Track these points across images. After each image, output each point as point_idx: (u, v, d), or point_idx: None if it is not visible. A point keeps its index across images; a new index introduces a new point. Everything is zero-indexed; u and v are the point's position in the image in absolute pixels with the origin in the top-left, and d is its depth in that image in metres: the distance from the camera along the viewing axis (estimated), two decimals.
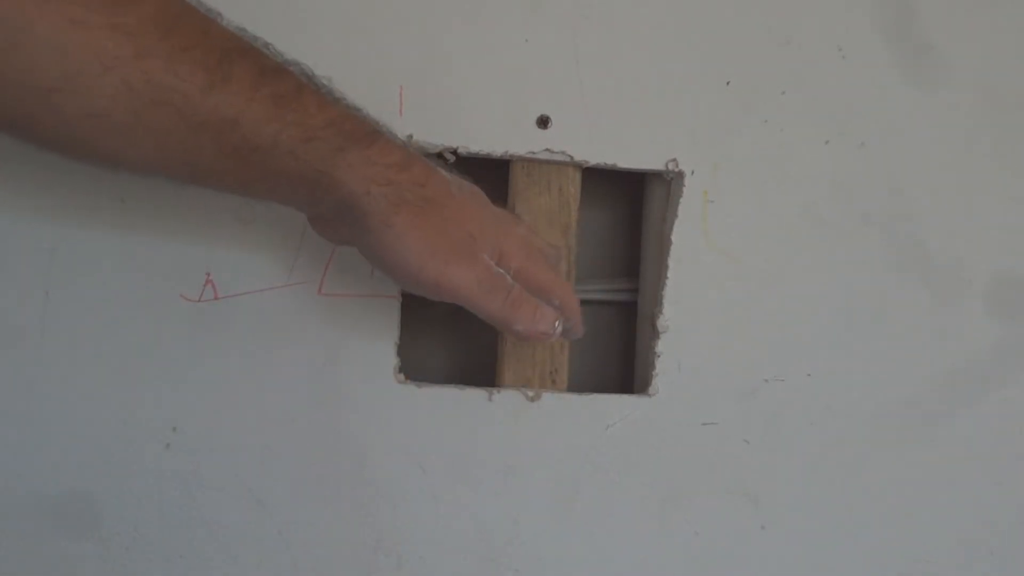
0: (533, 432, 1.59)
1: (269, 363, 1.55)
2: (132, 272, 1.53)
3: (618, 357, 1.76)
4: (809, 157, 1.64)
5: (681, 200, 1.61)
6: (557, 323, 1.41)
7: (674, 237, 1.61)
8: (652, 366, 1.62)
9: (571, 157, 1.60)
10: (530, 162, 1.61)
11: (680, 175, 1.61)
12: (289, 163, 1.23)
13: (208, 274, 1.54)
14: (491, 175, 1.68)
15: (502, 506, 1.59)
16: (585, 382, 1.71)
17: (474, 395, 1.59)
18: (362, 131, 1.29)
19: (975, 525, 1.66)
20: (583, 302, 1.72)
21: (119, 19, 1.09)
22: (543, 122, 1.60)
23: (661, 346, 1.61)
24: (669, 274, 1.61)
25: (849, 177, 1.64)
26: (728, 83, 1.62)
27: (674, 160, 1.62)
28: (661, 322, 1.61)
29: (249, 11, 1.54)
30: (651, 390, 1.61)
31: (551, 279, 1.42)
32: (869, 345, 1.64)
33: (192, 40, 1.16)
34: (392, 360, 1.57)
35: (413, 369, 1.61)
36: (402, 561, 1.58)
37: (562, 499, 1.60)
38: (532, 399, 1.60)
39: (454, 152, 1.59)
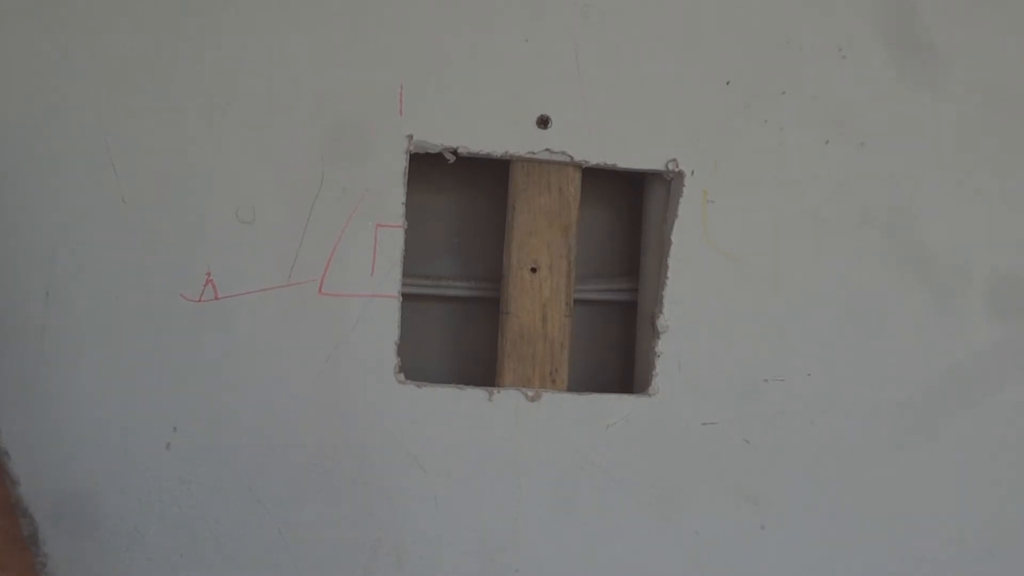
0: (533, 432, 1.59)
1: (269, 363, 1.55)
2: (132, 272, 1.53)
3: (618, 357, 1.76)
4: (809, 157, 1.64)
5: (681, 200, 1.61)
6: None
7: (674, 237, 1.61)
8: (652, 366, 1.62)
9: (571, 157, 1.60)
10: (530, 162, 1.61)
11: (680, 175, 1.61)
12: None
13: (208, 274, 1.54)
14: (491, 175, 1.69)
15: (502, 506, 1.59)
16: (585, 382, 1.71)
17: (474, 395, 1.59)
18: None
19: (975, 525, 1.66)
20: (583, 302, 1.73)
21: None
22: (543, 122, 1.60)
23: (661, 346, 1.61)
24: (669, 274, 1.61)
25: (849, 177, 1.64)
26: (728, 83, 1.62)
27: (674, 160, 1.62)
28: (661, 322, 1.61)
29: (250, 12, 1.54)
30: (651, 390, 1.61)
31: None
32: (869, 345, 1.64)
33: None
34: (392, 360, 1.57)
35: (413, 369, 1.61)
36: (402, 561, 1.58)
37: (562, 499, 1.60)
38: (532, 399, 1.60)
39: (454, 152, 1.59)
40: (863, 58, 1.64)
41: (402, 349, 1.58)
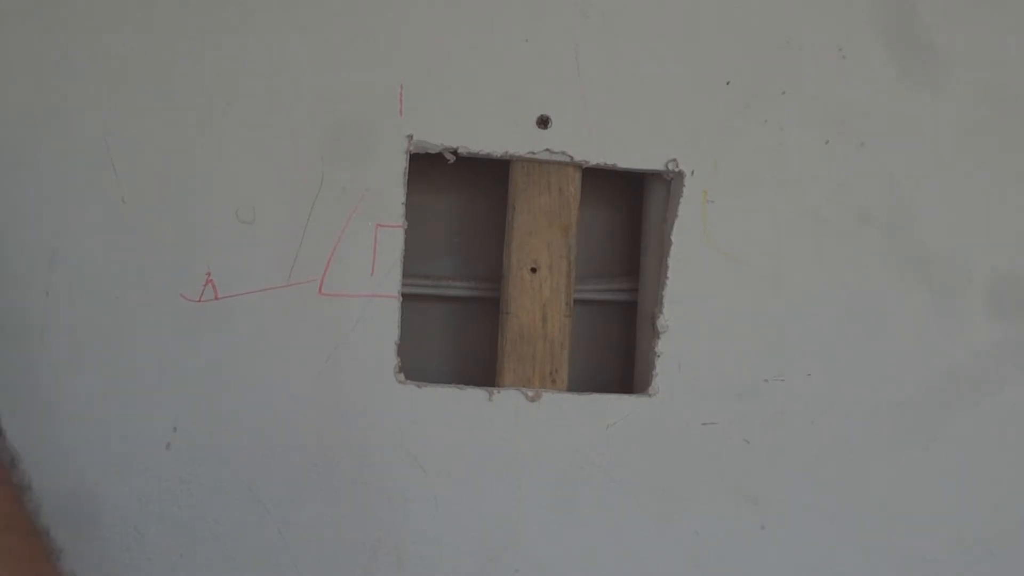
0: (533, 432, 1.59)
1: (269, 363, 1.55)
2: (132, 272, 1.53)
3: (618, 357, 1.76)
4: (809, 157, 1.64)
5: (681, 200, 1.61)
6: None
7: (674, 237, 1.61)
8: (652, 366, 1.62)
9: (571, 157, 1.60)
10: (530, 162, 1.61)
11: (680, 175, 1.62)
12: None
13: (208, 274, 1.54)
14: (491, 175, 1.69)
15: (502, 506, 1.59)
16: (585, 382, 1.71)
17: (474, 395, 1.59)
18: None
19: (975, 525, 1.66)
20: (583, 302, 1.73)
21: None
22: (543, 122, 1.60)
23: (661, 346, 1.61)
24: (669, 274, 1.61)
25: (849, 177, 1.64)
26: (728, 83, 1.62)
27: (674, 160, 1.62)
28: (661, 322, 1.61)
29: (250, 12, 1.54)
30: (651, 390, 1.61)
31: None
32: (869, 345, 1.64)
33: None
34: (392, 360, 1.57)
35: (413, 369, 1.61)
36: (402, 561, 1.58)
37: (562, 499, 1.60)
38: (532, 399, 1.60)
39: (454, 152, 1.59)
40: (863, 58, 1.64)
41: (402, 349, 1.58)
